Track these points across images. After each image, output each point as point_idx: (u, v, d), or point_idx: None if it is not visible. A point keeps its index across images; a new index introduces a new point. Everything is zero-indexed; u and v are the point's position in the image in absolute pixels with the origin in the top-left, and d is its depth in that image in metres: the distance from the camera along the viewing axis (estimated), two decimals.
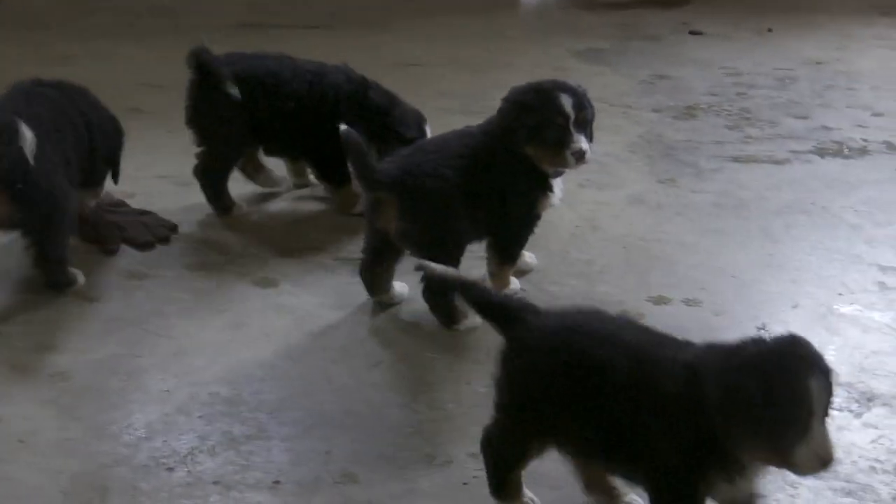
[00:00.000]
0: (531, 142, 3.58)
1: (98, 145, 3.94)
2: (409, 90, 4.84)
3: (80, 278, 3.79)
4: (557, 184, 3.72)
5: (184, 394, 3.26)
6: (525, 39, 6.62)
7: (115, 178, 4.11)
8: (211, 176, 4.23)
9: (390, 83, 4.72)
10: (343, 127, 3.52)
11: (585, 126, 3.62)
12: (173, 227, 4.17)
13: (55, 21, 6.29)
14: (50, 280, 3.75)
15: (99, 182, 4.06)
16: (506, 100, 3.69)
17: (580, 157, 3.57)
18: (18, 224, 3.66)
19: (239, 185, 4.39)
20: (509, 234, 3.74)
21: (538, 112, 3.58)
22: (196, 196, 4.32)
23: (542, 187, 3.68)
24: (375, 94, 4.25)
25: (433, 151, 3.64)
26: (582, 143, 3.57)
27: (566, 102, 3.57)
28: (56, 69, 4.44)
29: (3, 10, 6.46)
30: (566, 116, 3.57)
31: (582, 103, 3.61)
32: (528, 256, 3.91)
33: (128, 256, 4.01)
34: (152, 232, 4.12)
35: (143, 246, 4.06)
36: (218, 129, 4.13)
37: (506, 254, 3.76)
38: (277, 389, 3.30)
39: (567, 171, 3.68)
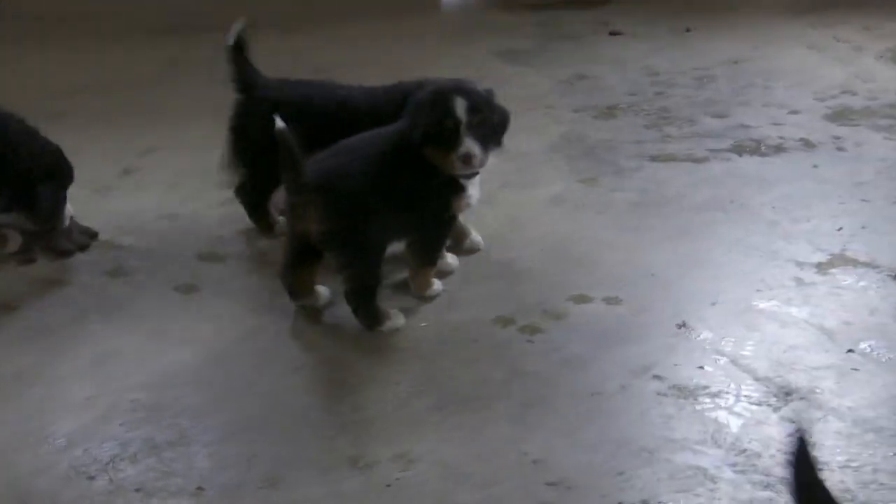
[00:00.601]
0: (426, 143, 3.59)
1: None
2: None
3: None
4: (473, 184, 3.72)
5: (105, 401, 3.24)
6: (447, 41, 6.63)
7: None
8: (255, 197, 4.18)
9: None
10: (279, 123, 3.47)
11: (482, 130, 3.63)
12: (94, 235, 4.14)
13: None
14: None
15: None
16: (411, 100, 3.71)
17: (467, 160, 3.57)
18: None
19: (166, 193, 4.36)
20: (426, 235, 3.75)
21: (431, 113, 3.60)
22: (115, 202, 4.30)
23: (453, 188, 3.69)
24: None
25: (352, 153, 3.64)
26: (470, 146, 3.58)
27: (458, 105, 3.58)
28: None
29: None
30: (457, 119, 3.57)
31: (477, 106, 3.61)
32: (449, 258, 3.93)
33: (46, 264, 3.97)
34: (71, 240, 4.08)
35: (63, 254, 4.03)
36: (265, 153, 3.96)
37: (425, 256, 3.77)
38: (199, 395, 3.29)
39: (481, 171, 3.68)
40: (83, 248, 4.08)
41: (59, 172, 4.00)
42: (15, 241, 4.02)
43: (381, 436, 3.11)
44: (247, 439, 3.09)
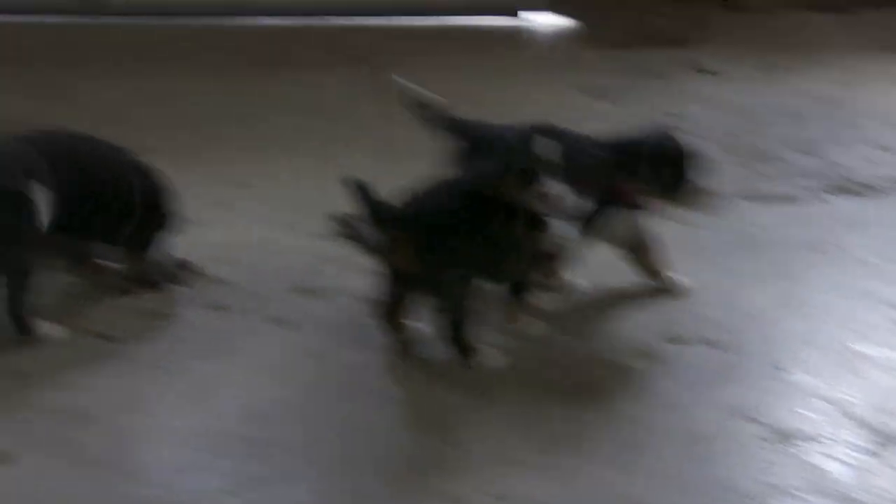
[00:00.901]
0: (509, 179, 3.61)
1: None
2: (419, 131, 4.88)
3: (49, 330, 3.75)
4: (566, 225, 3.73)
5: (207, 434, 3.27)
6: (529, 75, 6.63)
7: None
8: None
9: (399, 123, 4.78)
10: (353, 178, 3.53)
11: (563, 170, 3.63)
12: (189, 267, 4.17)
13: (56, 66, 6.31)
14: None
15: None
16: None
17: (547, 200, 3.59)
18: None
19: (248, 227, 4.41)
20: (514, 272, 3.77)
21: (514, 154, 3.63)
22: (210, 235, 4.34)
23: (537, 225, 3.70)
24: None
25: (442, 191, 3.66)
26: (548, 187, 3.59)
27: (540, 146, 3.61)
28: None
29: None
30: (539, 158, 3.60)
31: (557, 147, 3.64)
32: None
33: (143, 298, 4.01)
34: (166, 272, 4.13)
35: (156, 286, 4.08)
36: None
37: (517, 293, 3.79)
38: (299, 430, 3.31)
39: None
40: (178, 280, 4.12)
41: (159, 208, 4.05)
42: (112, 273, 4.07)
43: (479, 474, 3.10)
44: (347, 474, 3.10)
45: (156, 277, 4.09)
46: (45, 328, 3.72)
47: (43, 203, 3.66)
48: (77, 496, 3.00)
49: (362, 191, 3.55)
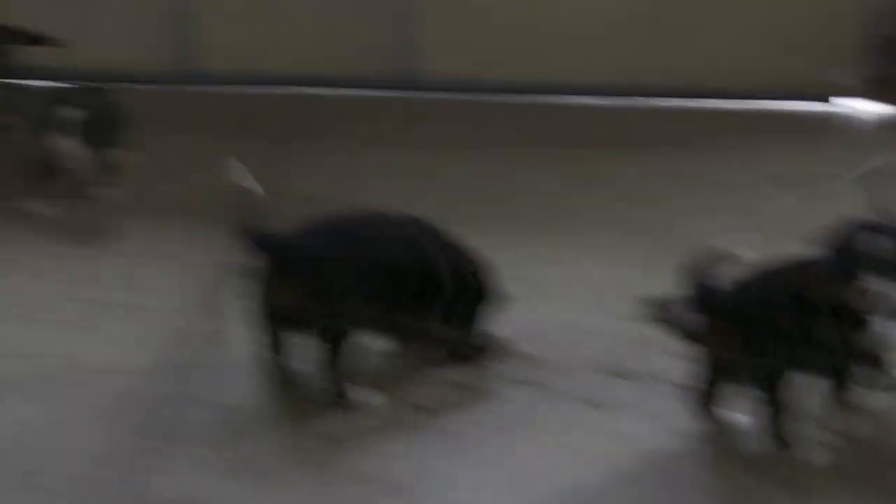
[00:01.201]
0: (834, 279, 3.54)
1: None
2: (732, 212, 4.83)
3: (371, 399, 3.82)
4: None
5: None
6: (840, 163, 6.44)
7: None
8: None
9: (712, 205, 4.74)
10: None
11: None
12: (497, 343, 4.21)
13: (374, 137, 6.48)
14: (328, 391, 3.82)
15: None
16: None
17: (869, 298, 3.47)
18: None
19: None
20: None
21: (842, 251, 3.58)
22: (521, 311, 4.37)
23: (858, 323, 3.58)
24: None
25: (770, 278, 3.59)
26: (872, 284, 3.48)
27: (866, 242, 3.51)
28: None
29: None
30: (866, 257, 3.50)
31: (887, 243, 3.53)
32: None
33: (454, 371, 4.06)
34: (475, 347, 4.17)
35: (468, 360, 4.13)
36: None
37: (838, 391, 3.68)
38: None
39: None
40: (490, 355, 4.15)
41: (474, 283, 4.10)
42: (430, 346, 4.14)
43: None
44: None
45: (470, 352, 4.14)
46: (362, 395, 3.79)
47: (365, 276, 3.76)
48: None
49: (698, 273, 3.49)
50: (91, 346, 4.14)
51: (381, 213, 4.10)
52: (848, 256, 3.53)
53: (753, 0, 7.19)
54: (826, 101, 7.45)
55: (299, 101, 7.05)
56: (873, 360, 3.67)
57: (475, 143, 6.38)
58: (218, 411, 3.76)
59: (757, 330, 3.46)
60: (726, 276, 3.60)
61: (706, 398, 3.61)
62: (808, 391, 3.61)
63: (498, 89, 7.24)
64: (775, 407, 3.49)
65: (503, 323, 4.29)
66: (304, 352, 3.83)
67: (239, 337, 3.96)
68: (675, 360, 4.05)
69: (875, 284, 3.46)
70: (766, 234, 5.00)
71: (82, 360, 4.06)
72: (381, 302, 3.91)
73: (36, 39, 6.41)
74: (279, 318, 3.77)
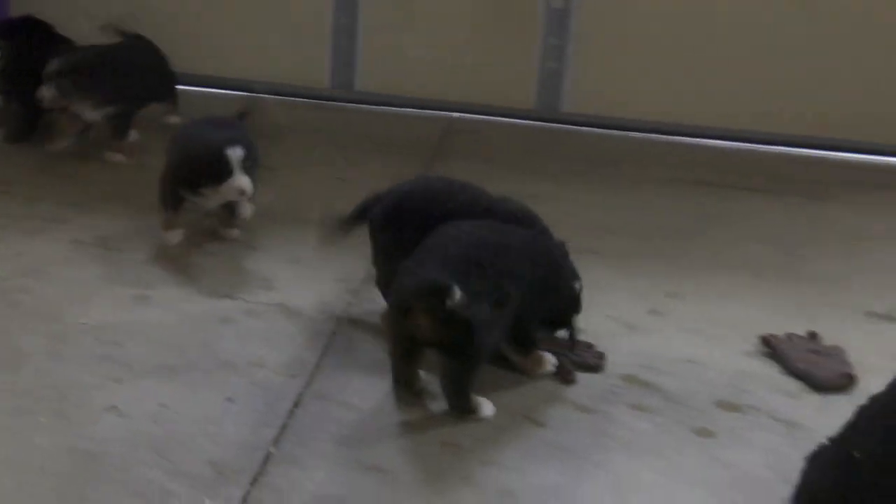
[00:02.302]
0: None
1: None
2: (854, 263, 4.79)
3: (487, 409, 3.88)
4: None
5: None
6: None
7: None
8: None
9: (836, 254, 4.72)
10: None
11: None
12: (601, 356, 4.27)
13: (513, 159, 6.56)
14: (452, 404, 3.88)
15: None
16: None
17: None
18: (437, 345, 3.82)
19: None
20: None
21: None
22: (640, 340, 4.42)
23: None
24: None
25: None
26: None
27: None
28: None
29: (463, 145, 6.84)
30: None
31: None
32: None
33: (572, 390, 4.10)
34: (591, 364, 4.23)
35: (589, 368, 4.20)
36: None
37: None
38: None
39: None
40: (597, 369, 4.21)
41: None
42: (544, 360, 4.21)
43: None
44: None
45: (587, 359, 4.19)
46: (481, 406, 3.86)
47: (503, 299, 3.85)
48: None
49: None
50: (227, 340, 4.26)
51: (512, 232, 4.15)
52: None
53: None
54: None
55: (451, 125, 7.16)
56: None
57: (612, 175, 6.42)
58: (348, 411, 3.85)
59: None
60: None
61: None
62: None
63: (638, 128, 7.29)
64: None
65: (624, 350, 4.34)
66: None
67: (372, 342, 4.07)
68: (786, 397, 4.07)
69: None
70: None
71: (219, 351, 4.18)
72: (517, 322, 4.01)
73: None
74: (412, 338, 3.83)
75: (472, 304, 3.68)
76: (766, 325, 4.58)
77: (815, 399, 4.10)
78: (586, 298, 4.30)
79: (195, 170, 4.81)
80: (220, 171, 4.75)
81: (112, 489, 3.34)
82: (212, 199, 4.95)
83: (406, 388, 3.97)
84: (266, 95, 7.35)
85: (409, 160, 6.22)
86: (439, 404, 3.88)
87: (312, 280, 4.81)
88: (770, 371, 4.29)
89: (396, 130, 6.98)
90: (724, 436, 3.86)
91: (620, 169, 6.57)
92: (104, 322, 4.33)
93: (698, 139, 7.24)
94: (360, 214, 4.55)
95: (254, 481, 3.42)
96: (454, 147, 6.75)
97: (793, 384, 4.19)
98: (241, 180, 4.77)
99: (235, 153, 4.75)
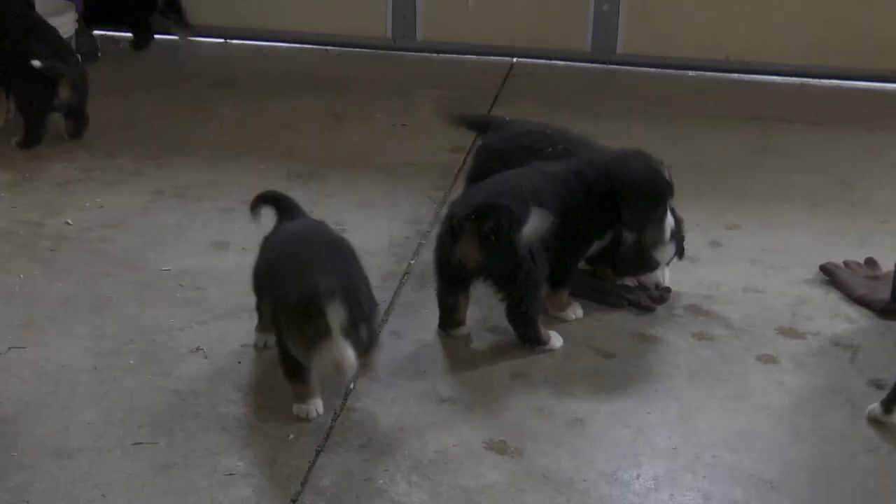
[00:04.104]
0: None
1: None
2: None
3: (556, 342, 3.86)
4: None
5: (689, 453, 3.29)
6: None
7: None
8: None
9: (888, 183, 4.65)
10: None
11: None
12: (668, 290, 4.23)
13: (572, 101, 6.50)
14: (521, 335, 3.84)
15: None
16: None
17: None
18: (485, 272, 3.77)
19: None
20: None
21: None
22: (702, 272, 4.38)
23: None
24: None
25: None
26: None
27: None
28: None
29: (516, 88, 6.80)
30: None
31: None
32: None
33: (639, 321, 4.07)
34: (651, 296, 4.18)
35: (646, 309, 4.13)
36: None
37: None
38: (774, 461, 3.28)
39: None
40: (663, 301, 4.18)
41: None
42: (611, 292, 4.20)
43: None
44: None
45: (643, 301, 4.15)
46: (548, 337, 3.84)
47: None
48: (574, 493, 3.09)
49: None
50: None
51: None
52: None
53: None
54: None
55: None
56: None
57: (668, 114, 6.36)
58: (422, 348, 3.85)
59: None
60: None
61: None
62: None
63: (693, 67, 7.23)
64: None
65: (684, 280, 4.30)
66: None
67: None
68: (843, 321, 4.03)
69: None
70: None
71: None
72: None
73: None
74: (460, 269, 3.78)
75: (514, 229, 3.65)
76: (824, 253, 4.52)
77: (875, 323, 4.05)
78: None
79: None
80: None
81: (199, 425, 3.36)
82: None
83: (450, 331, 3.93)
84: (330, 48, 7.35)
85: (472, 106, 6.17)
86: (510, 338, 3.86)
87: (383, 223, 4.80)
88: (830, 298, 4.24)
89: (457, 77, 6.94)
90: (786, 362, 3.82)
91: (676, 107, 6.50)
92: (185, 268, 4.35)
93: (752, 76, 7.16)
94: (474, 123, 4.53)
95: (336, 416, 3.42)
96: (515, 91, 6.72)
97: (853, 310, 4.14)
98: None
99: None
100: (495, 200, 3.67)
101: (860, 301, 4.16)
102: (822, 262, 4.43)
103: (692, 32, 7.18)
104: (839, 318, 4.10)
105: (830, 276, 4.34)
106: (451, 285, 3.86)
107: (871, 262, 4.42)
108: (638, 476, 3.18)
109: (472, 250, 3.70)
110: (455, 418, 3.45)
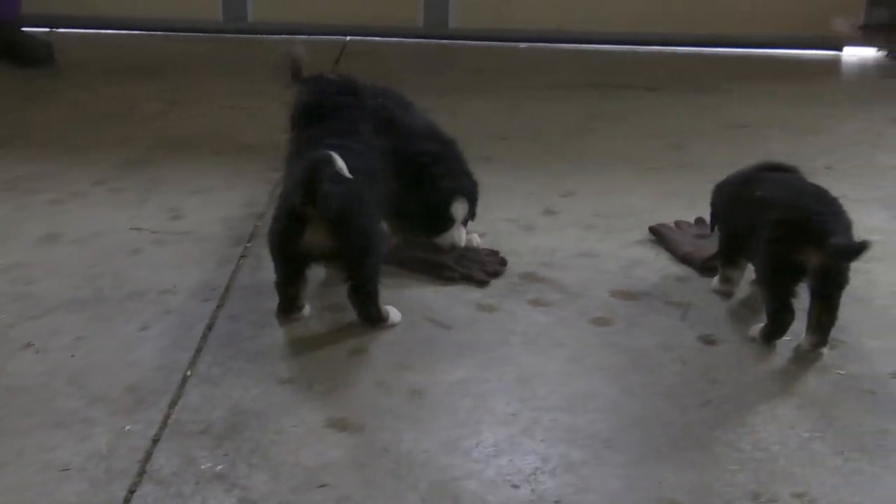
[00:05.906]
0: None
1: None
2: (738, 150, 4.82)
3: (395, 316, 3.84)
4: None
5: (527, 418, 3.31)
6: (846, 105, 6.42)
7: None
8: None
9: (719, 143, 4.72)
10: None
11: None
12: (503, 262, 4.25)
13: (409, 77, 6.50)
14: (364, 314, 3.81)
15: None
16: None
17: None
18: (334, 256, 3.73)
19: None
20: None
21: None
22: (537, 239, 4.42)
23: None
24: None
25: None
26: None
27: None
28: None
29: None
30: None
31: None
32: None
33: (475, 291, 4.09)
34: (486, 270, 4.20)
35: (479, 283, 4.15)
36: None
37: None
38: (610, 420, 3.31)
39: None
40: (494, 274, 4.19)
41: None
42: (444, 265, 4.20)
43: (782, 475, 3.04)
44: (655, 465, 3.09)
45: (477, 275, 4.16)
46: (392, 314, 3.83)
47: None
48: (414, 464, 3.10)
49: None
50: (138, 271, 4.19)
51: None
52: None
53: None
54: (839, 49, 7.43)
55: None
56: None
57: (503, 86, 6.40)
58: (260, 330, 3.80)
59: None
60: None
61: None
62: None
63: (525, 38, 7.29)
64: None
65: (520, 249, 4.34)
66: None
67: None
68: (672, 280, 4.11)
69: None
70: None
71: (131, 281, 4.11)
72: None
73: None
74: (303, 252, 3.71)
75: (362, 208, 3.63)
76: (656, 214, 4.60)
77: (705, 281, 4.13)
78: (485, 204, 4.30)
79: None
80: None
81: (33, 421, 3.27)
82: None
83: (291, 316, 3.86)
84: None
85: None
86: (347, 315, 3.84)
87: (219, 207, 4.73)
88: (661, 258, 4.32)
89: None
90: (620, 322, 3.87)
91: (512, 79, 6.56)
92: (15, 262, 4.22)
93: (585, 45, 7.25)
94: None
95: (172, 403, 3.36)
96: (350, 69, 6.65)
97: (682, 269, 4.23)
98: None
99: None
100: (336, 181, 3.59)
101: (684, 259, 4.24)
102: (653, 223, 4.52)
103: (523, 4, 7.24)
104: (670, 277, 4.17)
105: (658, 236, 4.43)
106: (293, 273, 3.82)
107: (700, 222, 4.51)
108: (478, 444, 3.18)
109: (322, 237, 3.64)
110: (295, 399, 3.41)
